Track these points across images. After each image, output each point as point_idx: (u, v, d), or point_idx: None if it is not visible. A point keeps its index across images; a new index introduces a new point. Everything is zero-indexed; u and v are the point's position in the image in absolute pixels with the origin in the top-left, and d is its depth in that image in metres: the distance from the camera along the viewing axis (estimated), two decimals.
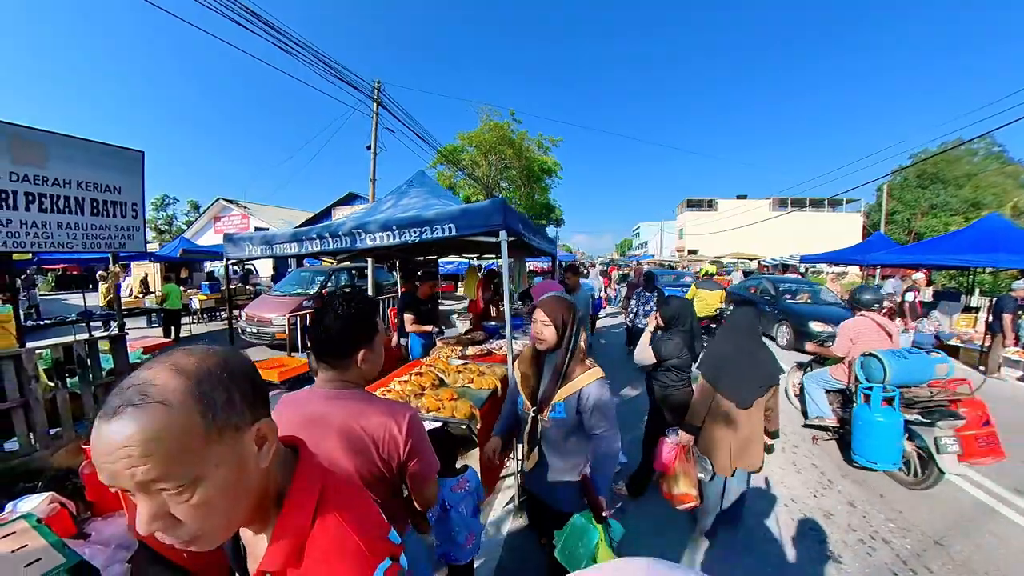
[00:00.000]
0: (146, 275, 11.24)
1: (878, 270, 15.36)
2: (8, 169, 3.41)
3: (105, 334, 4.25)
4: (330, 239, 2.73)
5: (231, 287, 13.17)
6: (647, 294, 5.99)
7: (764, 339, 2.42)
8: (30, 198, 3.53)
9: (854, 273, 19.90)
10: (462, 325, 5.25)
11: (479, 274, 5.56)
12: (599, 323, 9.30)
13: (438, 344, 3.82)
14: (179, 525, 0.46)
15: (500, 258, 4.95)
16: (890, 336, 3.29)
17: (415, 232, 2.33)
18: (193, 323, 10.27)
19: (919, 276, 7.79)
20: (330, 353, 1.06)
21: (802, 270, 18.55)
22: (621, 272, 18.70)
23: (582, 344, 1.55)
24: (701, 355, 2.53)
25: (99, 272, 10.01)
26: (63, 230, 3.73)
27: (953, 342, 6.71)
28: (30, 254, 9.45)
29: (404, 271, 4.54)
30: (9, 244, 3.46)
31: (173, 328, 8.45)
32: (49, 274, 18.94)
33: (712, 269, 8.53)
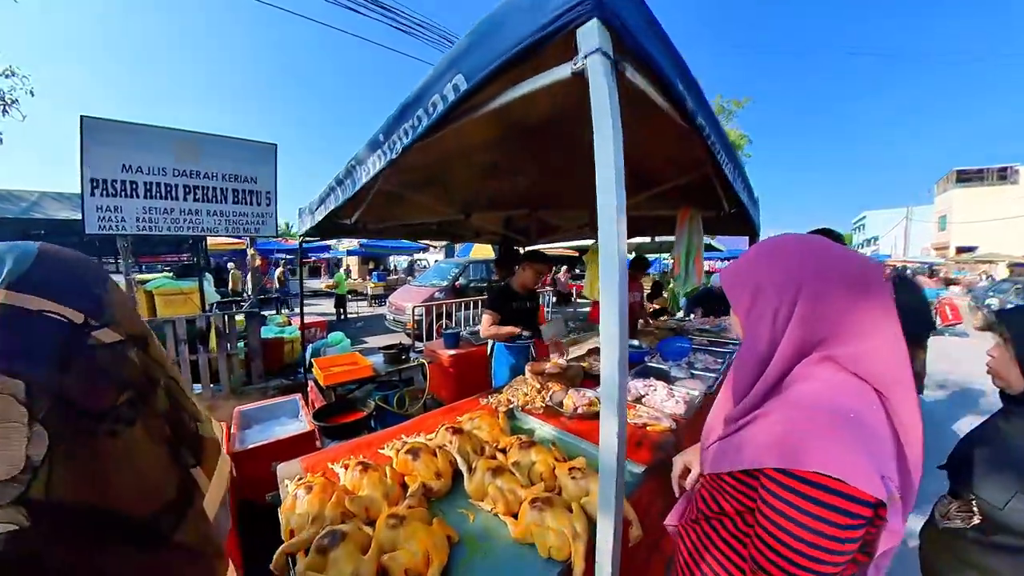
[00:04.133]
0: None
1: None
2: (172, 167, 3.88)
3: (240, 311, 4.52)
4: (339, 189, 1.89)
5: (394, 277, 14.93)
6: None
7: None
8: (187, 190, 3.98)
9: None
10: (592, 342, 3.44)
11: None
12: None
13: (527, 371, 2.18)
14: None
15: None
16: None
17: (407, 128, 1.17)
18: (363, 307, 12.10)
19: None
20: None
21: None
22: None
23: None
24: None
25: (247, 260, 12.29)
26: (211, 216, 4.14)
27: None
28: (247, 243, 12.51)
29: (502, 253, 3.31)
30: (172, 229, 3.96)
31: (342, 309, 10.05)
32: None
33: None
